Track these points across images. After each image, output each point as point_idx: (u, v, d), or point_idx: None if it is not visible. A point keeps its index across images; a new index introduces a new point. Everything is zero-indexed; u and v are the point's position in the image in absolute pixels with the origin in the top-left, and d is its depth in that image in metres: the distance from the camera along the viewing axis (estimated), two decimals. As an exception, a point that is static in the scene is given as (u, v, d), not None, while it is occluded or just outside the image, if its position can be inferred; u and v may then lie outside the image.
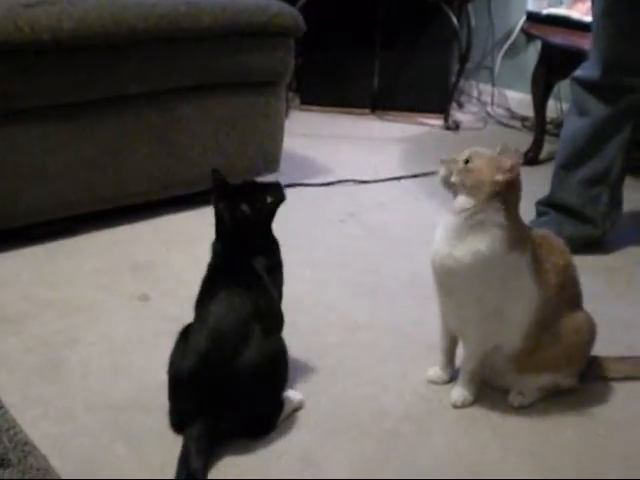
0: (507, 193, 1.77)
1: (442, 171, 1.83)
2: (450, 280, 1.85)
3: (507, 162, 1.75)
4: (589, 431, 1.89)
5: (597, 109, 2.69)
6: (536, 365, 1.91)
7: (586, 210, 2.78)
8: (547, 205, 2.86)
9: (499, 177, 1.75)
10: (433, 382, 2.03)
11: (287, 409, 1.83)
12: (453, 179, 1.80)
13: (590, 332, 1.96)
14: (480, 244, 1.77)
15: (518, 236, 1.80)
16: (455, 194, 1.82)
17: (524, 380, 1.93)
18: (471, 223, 1.78)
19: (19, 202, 2.59)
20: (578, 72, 2.75)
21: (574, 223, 2.77)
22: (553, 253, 1.89)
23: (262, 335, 1.72)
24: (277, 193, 1.88)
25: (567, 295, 1.91)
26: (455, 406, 1.94)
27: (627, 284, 2.65)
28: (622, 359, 2.12)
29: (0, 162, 2.52)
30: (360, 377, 2.05)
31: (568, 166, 2.79)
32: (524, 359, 1.89)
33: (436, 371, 2.04)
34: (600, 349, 2.03)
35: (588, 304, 1.98)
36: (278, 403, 1.81)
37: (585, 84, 2.70)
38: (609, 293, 2.53)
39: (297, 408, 1.87)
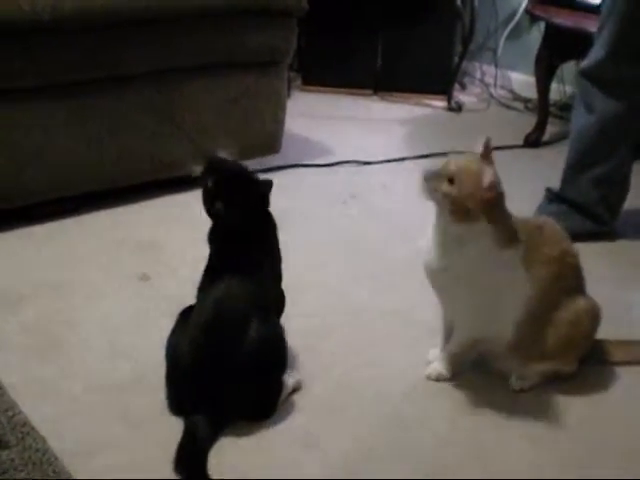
0: (491, 205, 1.74)
1: (430, 194, 1.76)
2: (444, 286, 1.88)
3: (487, 178, 1.71)
4: (590, 415, 1.89)
5: (605, 106, 2.65)
6: (536, 354, 1.90)
7: (596, 209, 2.77)
8: (557, 197, 2.84)
9: (484, 195, 1.71)
10: (431, 379, 2.01)
11: (285, 391, 1.82)
12: (438, 203, 1.76)
13: (593, 319, 1.94)
14: (470, 255, 1.77)
15: (506, 235, 1.79)
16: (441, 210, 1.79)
17: (525, 366, 1.93)
18: (458, 236, 1.77)
19: (19, 182, 2.57)
20: (584, 64, 2.71)
21: (582, 219, 2.75)
22: (547, 244, 1.87)
23: (261, 320, 1.72)
24: (267, 182, 1.83)
25: (565, 284, 1.89)
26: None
27: (630, 267, 2.64)
28: (626, 343, 2.11)
29: (1, 141, 2.51)
30: (360, 359, 2.04)
31: (577, 165, 2.77)
32: (523, 348, 1.89)
33: (436, 353, 2.03)
34: (603, 331, 2.02)
35: (591, 287, 1.98)
36: (278, 386, 1.80)
37: (592, 78, 2.65)
38: (612, 276, 2.52)
39: (295, 389, 1.86)
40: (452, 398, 1.92)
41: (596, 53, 2.64)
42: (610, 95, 2.63)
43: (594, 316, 1.95)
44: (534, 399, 1.92)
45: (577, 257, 1.93)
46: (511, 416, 1.86)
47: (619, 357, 2.08)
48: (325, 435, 1.75)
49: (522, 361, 1.92)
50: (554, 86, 3.90)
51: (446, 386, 1.95)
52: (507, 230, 1.79)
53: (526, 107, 4.36)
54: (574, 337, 1.92)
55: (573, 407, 1.91)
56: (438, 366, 1.98)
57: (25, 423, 0.81)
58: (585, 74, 2.69)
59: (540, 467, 1.71)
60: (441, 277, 1.85)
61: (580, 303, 1.92)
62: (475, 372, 2.00)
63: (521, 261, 1.82)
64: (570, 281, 1.91)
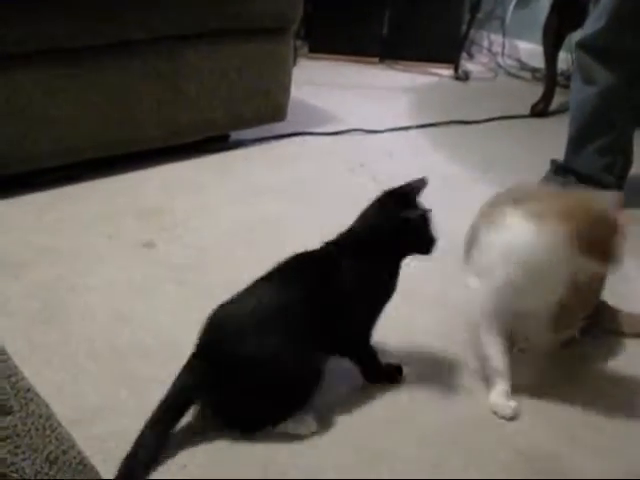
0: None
1: None
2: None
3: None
4: (594, 386, 1.89)
5: (603, 77, 2.64)
6: (568, 323, 1.87)
7: (601, 178, 2.76)
8: (562, 168, 2.83)
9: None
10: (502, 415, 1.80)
11: (290, 427, 1.65)
12: None
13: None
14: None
15: None
16: None
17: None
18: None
19: (22, 148, 2.55)
20: (582, 35, 2.69)
21: (589, 189, 2.75)
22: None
23: (288, 339, 1.58)
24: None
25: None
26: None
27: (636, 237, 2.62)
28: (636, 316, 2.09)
29: (3, 107, 2.48)
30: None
31: (580, 138, 2.77)
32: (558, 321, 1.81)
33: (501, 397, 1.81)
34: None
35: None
36: (272, 415, 1.64)
37: (590, 50, 2.63)
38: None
39: (300, 434, 1.67)
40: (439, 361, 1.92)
41: (593, 24, 2.62)
42: (608, 66, 2.61)
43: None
44: (532, 365, 1.92)
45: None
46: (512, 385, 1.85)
47: (630, 328, 2.06)
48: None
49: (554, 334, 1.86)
50: (562, 55, 3.87)
51: (433, 349, 1.95)
52: None
53: (534, 77, 4.34)
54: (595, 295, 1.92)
55: (578, 377, 1.91)
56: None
57: (29, 389, 0.81)
58: (582, 46, 2.67)
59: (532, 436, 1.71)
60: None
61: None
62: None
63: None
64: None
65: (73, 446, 0.80)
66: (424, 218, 1.71)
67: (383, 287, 1.74)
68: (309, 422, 1.66)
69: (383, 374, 1.81)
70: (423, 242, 1.72)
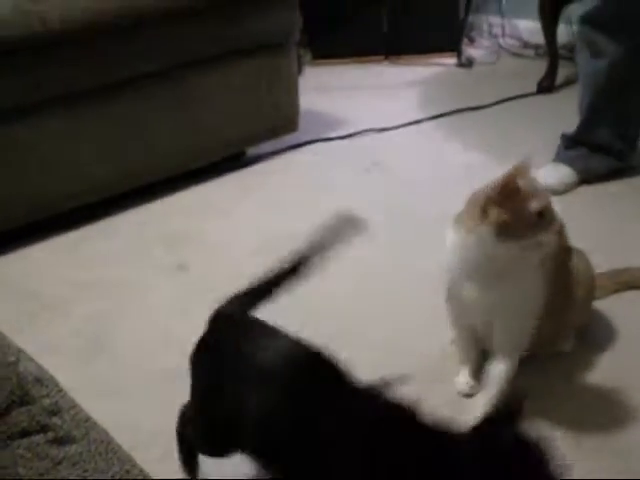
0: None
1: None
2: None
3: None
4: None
5: (612, 50, 2.64)
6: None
7: (615, 145, 2.80)
8: (574, 141, 2.86)
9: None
10: (466, 395, 1.85)
11: None
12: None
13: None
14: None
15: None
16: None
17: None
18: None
19: (51, 190, 2.63)
20: (584, 10, 2.71)
21: (604, 158, 2.79)
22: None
23: None
24: None
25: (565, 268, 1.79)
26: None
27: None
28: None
29: (28, 153, 2.56)
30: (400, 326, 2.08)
31: (592, 110, 2.78)
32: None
33: (467, 380, 1.86)
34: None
35: (615, 225, 1.99)
36: None
37: (594, 23, 2.65)
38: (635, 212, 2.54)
39: None
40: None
41: None
42: (614, 37, 2.62)
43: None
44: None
45: (563, 227, 1.74)
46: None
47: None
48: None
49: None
50: (562, 28, 3.88)
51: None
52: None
53: (537, 53, 4.36)
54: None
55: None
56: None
57: (87, 419, 0.87)
58: (587, 20, 2.70)
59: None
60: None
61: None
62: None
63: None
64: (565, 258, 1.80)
65: (134, 465, 0.87)
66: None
67: None
68: None
69: None
70: None
